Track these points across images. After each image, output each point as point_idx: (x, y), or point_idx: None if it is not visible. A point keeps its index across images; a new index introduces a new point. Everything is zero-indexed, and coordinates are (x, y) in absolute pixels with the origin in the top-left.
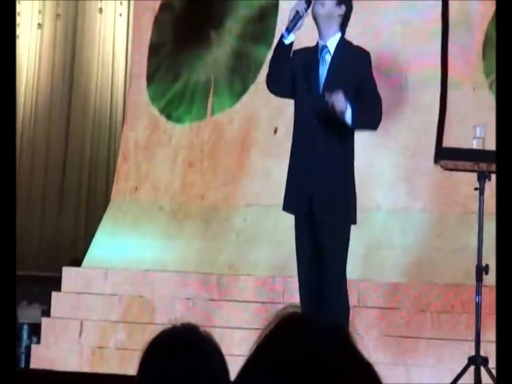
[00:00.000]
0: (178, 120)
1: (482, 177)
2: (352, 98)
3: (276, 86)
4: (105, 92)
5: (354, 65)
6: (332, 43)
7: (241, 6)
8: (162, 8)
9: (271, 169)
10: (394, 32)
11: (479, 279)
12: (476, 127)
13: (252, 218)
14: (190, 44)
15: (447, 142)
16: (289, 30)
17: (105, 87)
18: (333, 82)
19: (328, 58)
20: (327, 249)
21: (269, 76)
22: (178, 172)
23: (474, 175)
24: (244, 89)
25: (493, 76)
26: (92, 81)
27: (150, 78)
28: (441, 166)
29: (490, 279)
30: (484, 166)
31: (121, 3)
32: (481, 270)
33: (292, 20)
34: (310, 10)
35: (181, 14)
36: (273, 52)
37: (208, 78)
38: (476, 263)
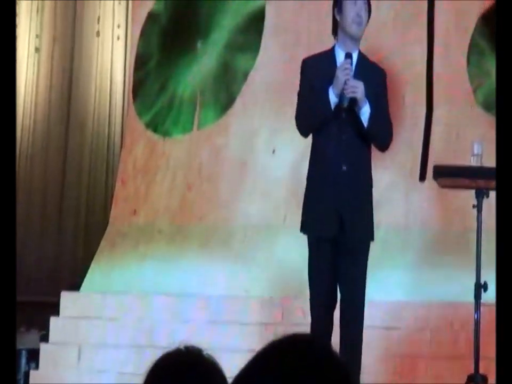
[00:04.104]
0: (166, 133)
1: (480, 195)
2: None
3: (308, 134)
4: (103, 116)
5: (373, 81)
6: (354, 57)
7: (227, 16)
8: (148, 19)
9: (270, 189)
10: (392, 49)
11: (477, 296)
12: (474, 143)
13: (251, 239)
14: (176, 55)
15: (446, 159)
16: (341, 99)
17: (103, 111)
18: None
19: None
20: (352, 271)
21: (305, 127)
22: (176, 194)
23: (473, 192)
24: (229, 101)
25: (476, 82)
26: (89, 104)
27: (136, 91)
28: (439, 184)
29: (489, 296)
30: (481, 183)
31: (118, 26)
32: (479, 287)
33: (344, 90)
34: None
35: (167, 25)
36: (318, 109)
37: (194, 90)
38: (475, 280)
